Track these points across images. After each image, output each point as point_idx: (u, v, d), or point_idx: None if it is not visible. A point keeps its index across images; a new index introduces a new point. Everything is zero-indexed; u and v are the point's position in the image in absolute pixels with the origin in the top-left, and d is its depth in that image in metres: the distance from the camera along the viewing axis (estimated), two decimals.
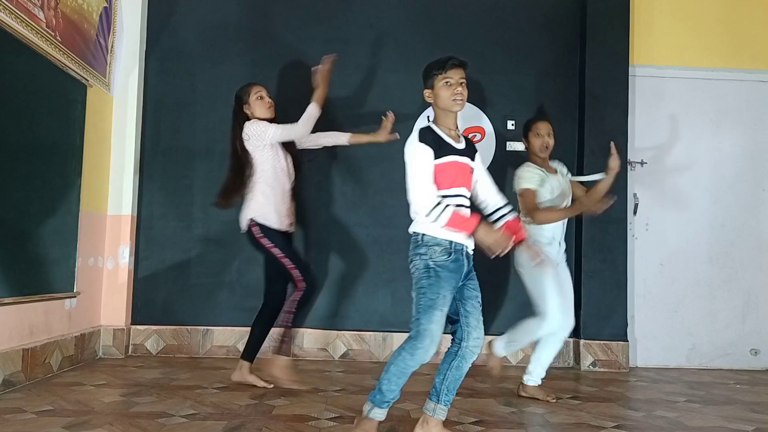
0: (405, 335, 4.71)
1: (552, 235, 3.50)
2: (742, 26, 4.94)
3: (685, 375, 4.46)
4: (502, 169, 4.43)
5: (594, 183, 3.63)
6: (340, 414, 2.93)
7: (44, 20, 3.47)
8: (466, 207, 2.53)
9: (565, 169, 3.71)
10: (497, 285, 4.55)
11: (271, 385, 3.51)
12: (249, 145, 3.57)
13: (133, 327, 4.51)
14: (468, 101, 2.68)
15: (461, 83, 2.56)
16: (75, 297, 3.95)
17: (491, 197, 2.67)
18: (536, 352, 3.51)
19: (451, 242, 2.44)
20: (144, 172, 4.60)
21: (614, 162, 3.52)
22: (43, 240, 3.57)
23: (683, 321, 4.82)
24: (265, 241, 3.50)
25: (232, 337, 4.50)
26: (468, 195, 2.56)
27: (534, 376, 3.48)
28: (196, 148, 4.64)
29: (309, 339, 4.56)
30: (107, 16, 4.28)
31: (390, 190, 4.61)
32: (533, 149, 3.58)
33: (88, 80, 4.00)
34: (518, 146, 4.68)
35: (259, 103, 3.64)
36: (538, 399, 3.40)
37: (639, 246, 4.81)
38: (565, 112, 4.73)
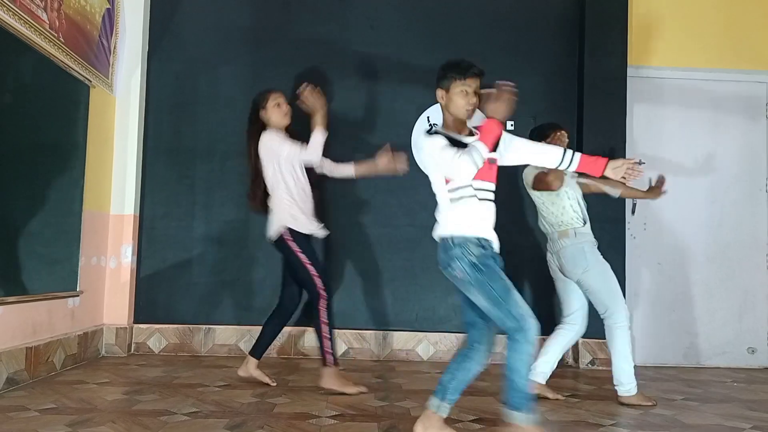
0: (405, 334, 4.75)
1: (588, 227, 3.51)
2: (740, 27, 4.93)
3: (682, 373, 4.46)
4: (502, 169, 4.40)
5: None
6: (341, 412, 2.93)
7: (47, 21, 3.47)
8: (491, 201, 2.51)
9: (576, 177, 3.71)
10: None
11: (275, 383, 3.52)
12: (265, 159, 3.53)
13: (136, 326, 4.51)
14: None
15: (476, 94, 2.53)
16: (78, 296, 3.95)
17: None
18: (546, 349, 3.48)
19: (478, 238, 2.43)
20: (146, 172, 4.60)
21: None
22: (46, 239, 3.57)
23: (681, 320, 4.82)
24: (294, 246, 3.46)
25: (233, 335, 4.50)
26: (493, 188, 2.53)
27: (547, 372, 3.47)
28: (198, 148, 4.64)
29: (310, 337, 4.56)
30: (110, 17, 4.27)
31: (390, 190, 4.61)
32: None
33: (90, 81, 4.00)
34: None
35: (276, 110, 3.59)
36: (547, 397, 3.40)
37: (637, 245, 4.81)
38: (564, 112, 4.72)
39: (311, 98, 3.52)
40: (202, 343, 4.52)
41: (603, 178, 2.61)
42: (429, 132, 2.53)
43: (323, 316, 3.43)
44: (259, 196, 3.60)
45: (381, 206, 4.66)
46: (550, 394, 3.42)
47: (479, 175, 2.46)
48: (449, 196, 2.48)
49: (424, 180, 4.21)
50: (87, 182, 3.97)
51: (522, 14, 4.83)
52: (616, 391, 3.40)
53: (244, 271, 4.56)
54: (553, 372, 3.52)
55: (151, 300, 4.54)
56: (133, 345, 4.49)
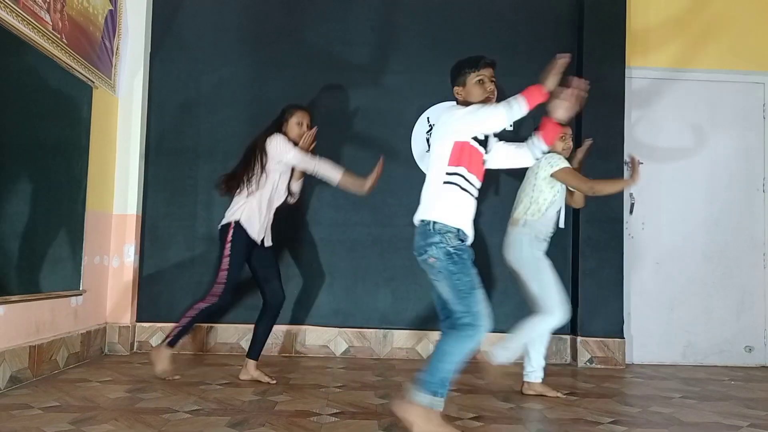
0: (405, 332, 4.75)
1: (548, 233, 3.52)
2: (737, 29, 4.93)
3: (680, 371, 4.46)
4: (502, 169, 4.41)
5: None
6: (341, 410, 2.93)
7: (51, 23, 3.47)
8: (475, 198, 2.53)
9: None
10: (493, 281, 4.55)
11: (275, 381, 3.53)
12: (269, 159, 3.57)
13: (138, 324, 4.50)
14: None
15: (493, 81, 2.59)
16: (81, 295, 3.95)
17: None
18: (535, 347, 3.49)
19: (458, 229, 2.46)
20: (149, 173, 4.60)
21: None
22: (49, 239, 3.57)
23: (679, 318, 4.81)
24: (229, 246, 3.49)
25: (235, 334, 4.50)
26: (479, 188, 2.56)
27: (539, 372, 3.47)
28: (200, 148, 4.64)
29: (311, 336, 4.56)
30: (112, 18, 4.27)
31: (390, 190, 4.61)
32: (555, 149, 3.57)
33: (93, 82, 4.00)
34: None
35: (296, 128, 3.65)
36: (547, 396, 3.39)
37: (635, 245, 4.81)
38: None
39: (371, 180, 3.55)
40: (203, 341, 4.51)
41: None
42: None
43: (196, 310, 3.49)
44: (233, 187, 3.61)
45: (381, 206, 4.65)
46: (550, 393, 3.41)
47: (475, 169, 2.51)
48: (444, 178, 2.49)
49: (424, 179, 4.19)
50: (90, 182, 3.97)
51: (521, 15, 4.82)
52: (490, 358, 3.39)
53: (245, 271, 4.54)
54: (545, 371, 3.52)
55: (153, 299, 4.54)
56: (135, 343, 4.48)
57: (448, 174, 2.49)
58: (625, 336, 4.59)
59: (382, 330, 4.60)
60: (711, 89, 4.94)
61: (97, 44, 4.08)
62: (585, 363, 4.52)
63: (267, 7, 4.75)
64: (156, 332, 4.50)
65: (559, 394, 3.41)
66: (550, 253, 4.42)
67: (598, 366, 4.50)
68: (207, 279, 4.55)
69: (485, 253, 4.50)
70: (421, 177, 4.55)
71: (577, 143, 4.66)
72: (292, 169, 3.71)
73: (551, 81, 2.44)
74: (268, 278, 3.63)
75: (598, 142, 4.61)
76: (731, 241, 4.88)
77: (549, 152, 3.51)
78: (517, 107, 2.39)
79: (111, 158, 4.41)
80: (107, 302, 4.39)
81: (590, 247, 4.58)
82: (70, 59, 3.70)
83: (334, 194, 4.63)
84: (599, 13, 4.72)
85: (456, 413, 2.90)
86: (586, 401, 3.33)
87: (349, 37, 4.75)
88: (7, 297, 3.15)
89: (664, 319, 4.80)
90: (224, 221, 3.56)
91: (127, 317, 4.41)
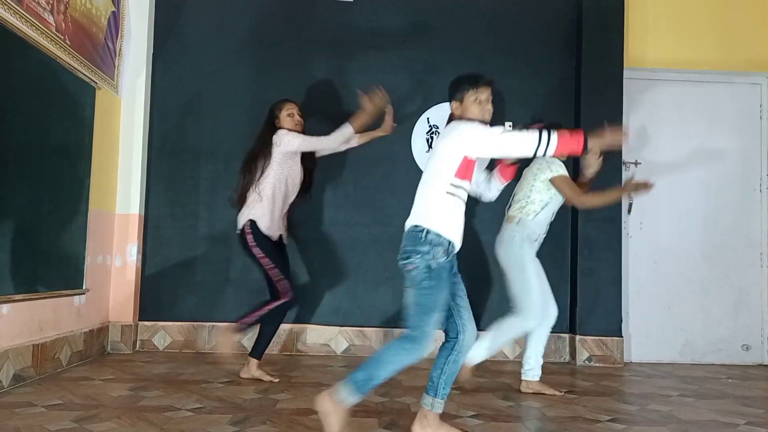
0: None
1: (540, 234, 3.51)
2: (734, 30, 4.93)
3: (678, 370, 4.46)
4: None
5: None
6: None
7: (54, 24, 3.47)
8: (464, 206, 2.51)
9: None
10: (484, 281, 4.55)
11: (277, 380, 3.53)
12: (275, 151, 3.58)
13: (141, 323, 4.50)
14: None
15: (490, 101, 2.57)
16: (84, 294, 3.95)
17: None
18: (533, 346, 3.48)
19: (450, 242, 2.43)
20: (151, 173, 4.60)
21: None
22: (53, 238, 3.57)
23: (676, 317, 4.81)
24: (257, 250, 3.51)
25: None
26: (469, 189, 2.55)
27: (537, 370, 3.47)
28: (202, 148, 4.64)
29: (312, 335, 4.56)
30: (115, 20, 4.27)
31: (391, 190, 4.62)
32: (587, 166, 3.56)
33: (96, 83, 4.00)
34: None
35: (288, 119, 3.68)
36: (545, 394, 3.39)
37: (633, 244, 4.81)
38: (562, 113, 4.71)
39: (371, 104, 3.70)
40: (205, 340, 4.51)
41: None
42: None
43: (268, 307, 3.50)
44: (243, 200, 3.63)
45: (381, 206, 4.65)
46: (548, 391, 3.41)
47: (468, 176, 2.48)
48: (448, 189, 2.44)
49: None
50: (93, 182, 3.97)
51: (521, 17, 4.82)
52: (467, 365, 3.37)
53: (246, 270, 4.55)
54: (543, 368, 3.52)
55: (155, 298, 4.54)
56: (138, 342, 4.49)
57: (453, 186, 2.45)
58: (623, 335, 4.59)
59: (382, 329, 4.60)
60: (709, 90, 4.94)
61: (100, 45, 4.08)
62: (584, 361, 4.52)
63: (268, 8, 4.75)
64: (158, 331, 4.50)
65: (556, 392, 3.41)
66: (549, 253, 4.44)
67: (597, 364, 4.50)
68: (208, 278, 4.57)
69: (481, 254, 4.50)
70: (421, 177, 4.59)
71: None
72: (302, 163, 3.72)
73: (596, 144, 2.45)
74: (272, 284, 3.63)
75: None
76: (729, 240, 4.88)
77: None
78: (547, 147, 2.36)
79: (114, 158, 4.41)
80: (110, 301, 4.39)
81: (588, 246, 4.58)
82: (73, 60, 3.70)
83: (335, 194, 4.64)
84: (598, 14, 4.71)
85: (455, 411, 2.90)
86: (584, 399, 3.33)
87: (349, 38, 4.75)
88: (11, 296, 3.15)
89: (662, 318, 4.80)
90: (239, 226, 3.57)
91: (129, 316, 4.41)
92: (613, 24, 4.72)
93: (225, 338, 3.57)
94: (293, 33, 4.74)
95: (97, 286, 4.16)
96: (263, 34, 4.73)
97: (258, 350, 3.62)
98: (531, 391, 3.44)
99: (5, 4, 3.01)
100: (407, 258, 2.43)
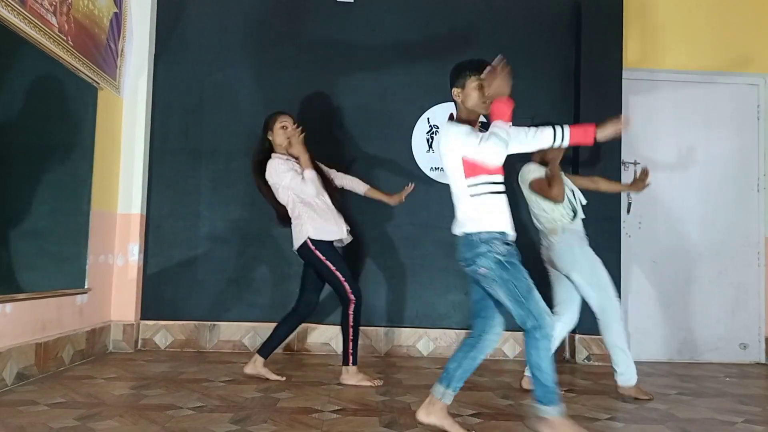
0: (406, 330, 4.74)
1: (580, 224, 3.51)
2: (732, 31, 4.93)
3: (676, 368, 4.46)
4: None
5: None
6: (342, 407, 2.93)
7: (57, 25, 3.47)
8: (504, 193, 2.50)
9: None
10: None
11: (284, 378, 3.53)
12: (273, 184, 3.58)
13: (143, 322, 4.51)
14: None
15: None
16: (86, 293, 3.95)
17: None
18: None
19: (502, 233, 2.43)
20: (153, 172, 4.60)
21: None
22: (55, 238, 3.57)
23: (675, 316, 4.82)
24: (319, 254, 3.49)
25: (238, 332, 4.50)
26: (503, 180, 2.52)
27: None
28: (203, 149, 4.64)
29: (313, 334, 4.56)
30: (117, 21, 4.27)
31: (391, 190, 4.59)
32: (547, 156, 3.55)
33: (98, 83, 4.00)
34: None
35: (281, 132, 3.64)
36: None
37: (632, 244, 4.81)
38: (561, 114, 4.71)
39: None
40: (207, 339, 4.52)
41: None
42: (451, 121, 2.54)
43: (351, 320, 3.48)
44: (284, 214, 3.63)
45: (381, 206, 4.63)
46: None
47: (494, 169, 2.46)
48: (469, 192, 2.45)
49: (424, 179, 4.22)
50: (95, 182, 3.97)
51: (520, 17, 4.82)
52: (616, 381, 3.38)
53: (248, 269, 4.56)
54: None
55: (157, 297, 4.54)
56: (140, 341, 4.49)
57: (470, 186, 2.45)
58: None
59: (383, 328, 4.60)
60: (707, 90, 4.95)
61: (102, 46, 4.08)
62: (583, 360, 4.52)
63: (269, 10, 4.75)
64: (160, 330, 4.50)
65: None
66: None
67: (596, 363, 4.50)
68: (210, 277, 4.57)
69: None
70: (421, 177, 4.61)
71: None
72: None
73: (502, 87, 2.46)
74: (308, 287, 3.65)
75: (596, 143, 4.60)
76: (727, 240, 4.88)
77: (528, 161, 3.52)
78: (504, 134, 2.37)
79: (116, 158, 4.41)
80: (112, 300, 4.39)
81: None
82: (76, 61, 3.70)
83: (336, 193, 4.63)
84: (597, 15, 4.72)
85: (455, 409, 2.89)
86: (583, 398, 3.33)
87: (350, 38, 4.75)
88: (14, 295, 3.16)
89: (660, 317, 4.81)
90: (298, 244, 3.55)
91: (131, 315, 4.41)
92: (612, 25, 4.72)
93: (351, 377, 3.47)
94: (294, 33, 4.74)
95: (99, 285, 4.16)
96: (264, 35, 4.73)
97: (267, 349, 3.61)
98: (531, 388, 3.43)
99: (8, 6, 3.01)
100: (472, 263, 2.45)
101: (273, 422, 2.61)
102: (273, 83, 4.65)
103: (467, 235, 2.46)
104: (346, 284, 3.48)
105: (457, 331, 4.56)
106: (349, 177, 3.94)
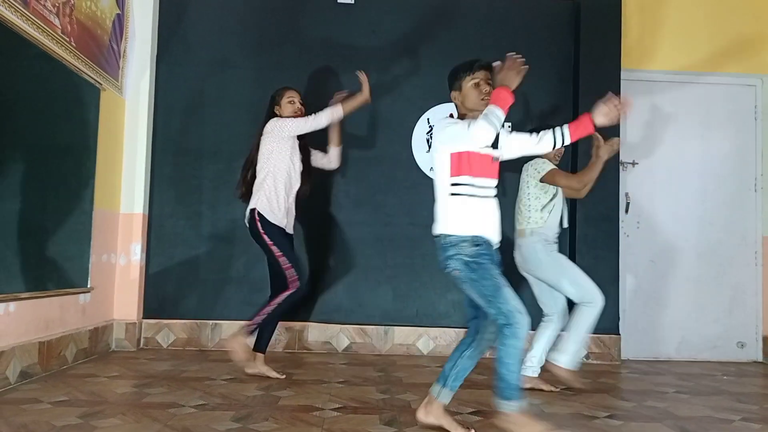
0: (406, 329, 4.75)
1: (555, 234, 3.52)
2: (729, 33, 4.93)
3: (674, 367, 4.46)
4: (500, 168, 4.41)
5: None
6: (343, 404, 2.93)
7: (60, 26, 3.47)
8: (493, 197, 2.49)
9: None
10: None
11: (284, 376, 3.53)
12: (265, 140, 3.59)
13: (145, 321, 4.51)
14: None
15: (488, 83, 2.53)
16: (89, 292, 3.95)
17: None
18: (540, 344, 3.50)
19: (474, 236, 2.42)
20: (155, 173, 4.60)
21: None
22: (58, 237, 3.57)
23: (673, 315, 4.82)
24: (266, 237, 3.50)
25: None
26: (494, 185, 2.51)
27: (537, 368, 3.48)
28: (205, 149, 4.64)
29: (313, 332, 4.57)
30: (120, 22, 4.27)
31: (391, 190, 4.62)
32: (548, 155, 3.55)
33: (101, 84, 4.00)
34: None
35: (289, 106, 3.68)
36: (542, 390, 3.40)
37: (630, 243, 4.81)
38: (559, 114, 4.72)
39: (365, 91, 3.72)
40: (208, 337, 4.52)
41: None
42: (451, 120, 2.55)
43: (281, 299, 3.45)
44: (246, 182, 3.65)
45: (382, 205, 4.66)
46: (545, 387, 3.42)
47: (481, 172, 2.45)
48: (449, 190, 2.45)
49: (424, 179, 4.23)
50: (97, 182, 3.97)
51: (519, 19, 4.82)
52: (554, 361, 3.39)
53: (249, 268, 4.56)
54: (542, 366, 3.53)
55: (159, 296, 4.54)
56: (142, 340, 4.49)
57: (452, 185, 2.45)
58: (620, 332, 4.59)
59: (383, 327, 4.61)
60: (704, 91, 4.95)
61: (105, 47, 4.08)
62: (582, 358, 4.51)
63: (270, 11, 4.75)
64: (162, 329, 4.50)
65: (552, 389, 3.41)
66: None
67: (595, 362, 4.50)
68: (212, 277, 4.57)
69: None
70: (421, 177, 4.61)
71: (573, 144, 4.68)
72: (302, 149, 3.71)
73: (510, 79, 2.45)
74: (279, 274, 3.61)
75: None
76: (724, 239, 4.88)
77: (535, 158, 3.53)
78: (495, 117, 2.34)
79: (118, 158, 4.41)
80: (114, 299, 4.39)
81: (586, 245, 4.58)
82: (79, 62, 3.70)
83: (336, 193, 4.64)
84: (595, 17, 4.72)
85: (455, 407, 2.90)
86: (582, 396, 3.33)
87: (350, 40, 4.75)
88: (17, 294, 3.16)
89: (658, 316, 4.81)
90: (247, 212, 3.57)
91: (133, 314, 4.42)
92: (610, 26, 4.73)
93: (236, 341, 3.46)
94: (295, 34, 4.74)
95: (102, 284, 4.17)
96: (265, 36, 4.73)
97: (261, 344, 3.62)
98: (528, 386, 3.44)
99: (12, 7, 3.01)
100: (446, 267, 2.46)
101: (274, 420, 2.61)
102: (274, 84, 4.61)
103: (438, 237, 2.48)
104: (291, 270, 3.45)
105: (456, 329, 4.56)
106: (319, 154, 3.87)
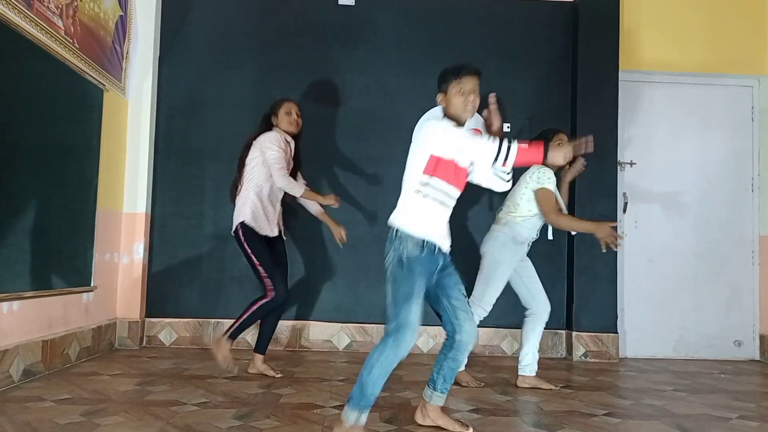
0: None
1: (528, 238, 3.51)
2: (726, 34, 4.92)
3: (672, 365, 4.46)
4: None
5: None
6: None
7: (63, 28, 3.46)
8: (449, 207, 2.45)
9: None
10: None
11: (280, 375, 3.53)
12: (254, 151, 3.57)
13: (147, 319, 4.51)
14: None
15: (474, 92, 2.46)
16: (92, 291, 3.95)
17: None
18: (529, 342, 3.50)
19: (424, 240, 2.38)
20: (157, 172, 4.60)
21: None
22: (61, 236, 3.57)
23: (670, 314, 4.81)
24: (247, 246, 3.50)
25: None
26: (456, 197, 2.46)
27: (533, 366, 3.48)
28: (207, 149, 4.64)
29: (314, 331, 4.57)
30: (122, 23, 4.27)
31: (391, 189, 4.57)
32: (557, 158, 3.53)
33: (104, 85, 4.00)
34: None
35: (285, 117, 3.66)
36: (541, 388, 3.39)
37: (628, 243, 4.80)
38: (558, 115, 4.72)
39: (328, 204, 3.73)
40: (211, 336, 4.51)
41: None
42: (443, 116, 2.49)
43: (256, 306, 3.45)
44: (234, 192, 3.63)
45: (382, 205, 4.64)
46: (544, 385, 3.42)
47: (454, 181, 2.42)
48: (416, 187, 2.40)
49: None
50: (100, 182, 3.97)
51: (518, 21, 4.82)
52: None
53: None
54: (540, 364, 3.54)
55: (162, 295, 4.54)
56: (144, 338, 4.49)
57: (421, 183, 2.39)
58: (618, 331, 4.59)
59: (383, 325, 4.58)
60: (702, 92, 4.94)
61: (108, 48, 4.07)
62: (580, 357, 4.52)
63: (271, 13, 4.74)
64: (164, 327, 4.50)
65: (552, 387, 3.41)
66: (546, 251, 4.46)
67: (593, 360, 4.50)
68: (214, 276, 4.57)
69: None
70: None
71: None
72: (293, 157, 3.70)
73: (557, 156, 2.27)
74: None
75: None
76: (721, 239, 4.88)
77: (545, 167, 3.49)
78: (506, 157, 2.23)
79: (121, 158, 4.41)
80: (117, 298, 4.39)
81: (585, 244, 4.57)
82: (82, 63, 3.70)
83: (337, 193, 4.62)
84: (593, 19, 4.71)
85: (455, 405, 2.90)
86: (581, 394, 3.33)
87: (350, 41, 4.75)
88: (21, 293, 3.15)
89: (656, 315, 4.80)
90: (233, 226, 3.56)
91: (136, 313, 4.41)
92: (608, 27, 4.72)
93: (218, 346, 3.46)
94: (296, 35, 4.73)
95: (105, 283, 4.16)
96: (266, 37, 4.73)
97: (260, 346, 3.63)
98: (527, 385, 3.44)
99: (16, 8, 3.01)
100: (386, 254, 2.45)
101: (275, 418, 2.61)
102: (275, 84, 4.65)
103: (390, 228, 2.44)
104: (268, 279, 3.46)
105: None
106: (288, 182, 3.63)
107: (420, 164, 2.40)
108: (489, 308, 3.44)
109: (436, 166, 2.38)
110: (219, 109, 4.66)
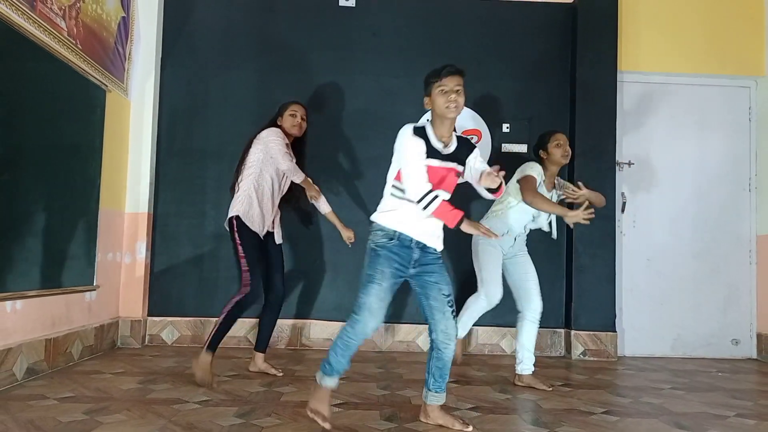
0: (406, 326, 4.76)
1: (507, 229, 3.55)
2: (724, 35, 4.92)
3: (669, 364, 4.46)
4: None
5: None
6: (344, 400, 2.93)
7: (66, 29, 3.46)
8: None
9: (559, 193, 3.68)
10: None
11: (281, 373, 3.53)
12: (256, 147, 3.53)
13: (150, 318, 4.51)
14: (465, 105, 2.65)
15: (456, 90, 2.50)
16: (95, 290, 3.95)
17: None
18: (521, 341, 3.51)
19: (395, 231, 2.47)
20: (159, 173, 4.60)
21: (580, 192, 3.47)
22: (64, 236, 3.57)
23: (668, 313, 4.81)
24: (236, 236, 3.41)
25: (242, 328, 4.50)
26: (446, 198, 2.49)
27: (527, 364, 3.48)
28: (209, 149, 4.64)
29: (315, 329, 4.57)
30: (125, 25, 4.27)
31: None
32: (555, 158, 3.53)
33: (107, 86, 4.00)
34: (514, 148, 4.68)
35: (289, 119, 3.63)
36: (536, 388, 3.39)
37: (627, 242, 4.81)
38: (557, 116, 4.72)
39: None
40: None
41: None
42: (416, 128, 2.52)
43: (230, 306, 3.30)
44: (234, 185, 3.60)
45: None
46: (539, 386, 3.39)
47: (436, 186, 2.45)
48: (391, 191, 2.53)
49: None
50: (103, 182, 3.97)
51: (518, 22, 4.82)
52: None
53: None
54: (538, 362, 3.55)
55: (164, 294, 4.54)
56: (147, 337, 4.49)
57: (395, 188, 2.52)
58: (617, 329, 4.59)
59: (383, 324, 4.59)
60: (699, 93, 4.94)
61: (111, 49, 4.07)
62: (578, 355, 4.51)
63: (273, 14, 4.75)
64: (166, 326, 4.50)
65: (546, 388, 3.39)
66: (545, 250, 4.47)
67: (591, 358, 4.50)
68: (215, 275, 4.57)
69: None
70: None
71: (571, 145, 4.67)
72: (297, 155, 3.68)
73: (469, 230, 2.43)
74: (270, 274, 3.61)
75: (591, 144, 4.62)
76: (719, 238, 4.88)
77: (533, 161, 3.58)
78: (428, 205, 2.37)
79: (123, 159, 4.41)
80: (120, 297, 4.39)
81: (583, 243, 4.58)
82: (85, 64, 3.70)
83: (337, 193, 4.63)
84: (592, 20, 4.71)
85: (454, 404, 2.90)
86: (579, 392, 3.33)
87: (351, 42, 4.75)
88: (24, 292, 3.16)
89: (654, 314, 4.80)
90: (227, 218, 3.50)
91: (138, 311, 4.42)
92: (607, 28, 4.72)
93: (198, 363, 3.22)
94: (297, 36, 4.73)
95: (108, 282, 4.17)
96: (268, 38, 4.73)
97: (261, 344, 3.62)
98: (523, 384, 3.44)
99: (19, 10, 3.01)
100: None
101: (277, 416, 2.61)
102: (276, 85, 4.65)
103: (372, 223, 2.55)
104: (247, 273, 3.35)
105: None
106: (293, 170, 3.62)
107: (393, 172, 2.56)
108: (493, 296, 3.55)
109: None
110: (221, 109, 4.66)
